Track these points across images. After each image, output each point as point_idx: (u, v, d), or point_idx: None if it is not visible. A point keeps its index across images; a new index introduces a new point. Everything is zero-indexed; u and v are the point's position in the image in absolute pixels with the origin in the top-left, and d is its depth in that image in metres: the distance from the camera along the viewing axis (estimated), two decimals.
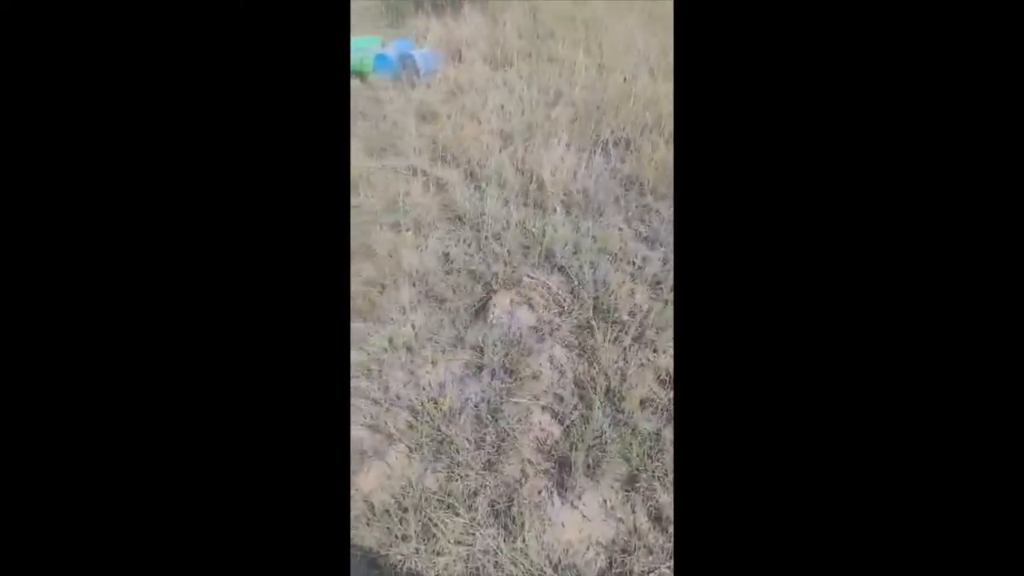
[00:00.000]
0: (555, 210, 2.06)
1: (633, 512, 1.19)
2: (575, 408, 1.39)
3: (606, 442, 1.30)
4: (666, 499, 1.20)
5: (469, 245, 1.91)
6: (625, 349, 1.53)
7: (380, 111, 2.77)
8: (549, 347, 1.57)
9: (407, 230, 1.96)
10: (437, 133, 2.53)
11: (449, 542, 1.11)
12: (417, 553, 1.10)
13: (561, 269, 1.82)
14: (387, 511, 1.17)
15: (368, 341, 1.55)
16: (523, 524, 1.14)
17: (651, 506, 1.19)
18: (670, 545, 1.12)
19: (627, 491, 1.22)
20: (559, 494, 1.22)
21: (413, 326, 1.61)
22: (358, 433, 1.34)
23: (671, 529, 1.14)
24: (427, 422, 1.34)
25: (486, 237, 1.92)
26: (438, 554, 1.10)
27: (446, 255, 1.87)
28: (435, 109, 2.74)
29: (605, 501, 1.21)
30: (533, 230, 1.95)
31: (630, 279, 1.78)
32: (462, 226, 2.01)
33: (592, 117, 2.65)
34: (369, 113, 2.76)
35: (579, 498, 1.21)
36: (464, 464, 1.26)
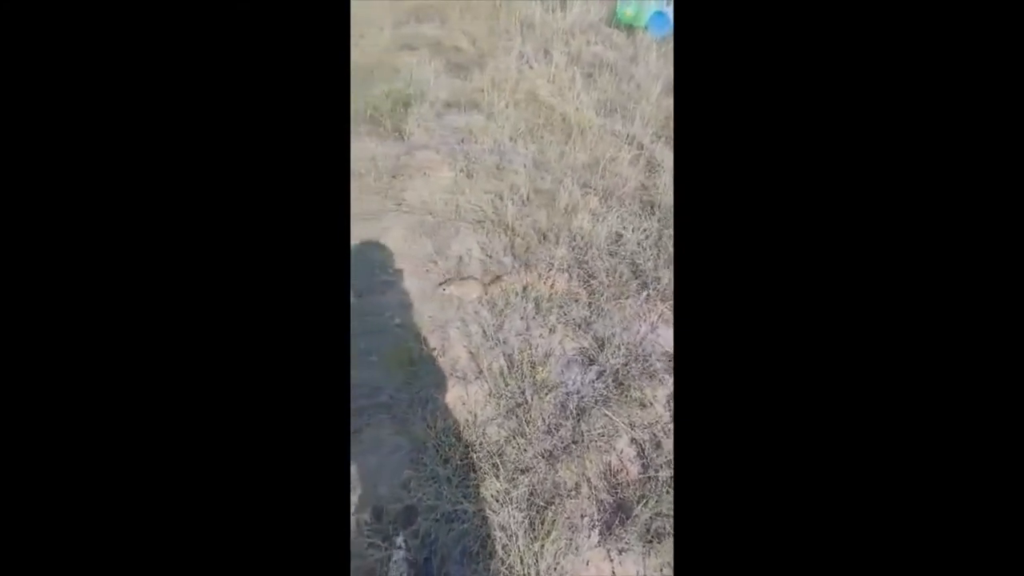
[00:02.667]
0: None
1: None
2: (669, 464, 1.17)
3: None
4: None
5: (647, 236, 1.71)
6: None
7: (630, 70, 2.61)
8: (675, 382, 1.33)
9: (594, 194, 1.86)
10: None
11: (475, 495, 1.10)
12: (450, 482, 1.12)
13: None
14: (443, 431, 1.22)
15: (507, 279, 1.57)
16: (549, 532, 1.04)
17: None
18: None
19: None
20: (601, 533, 1.07)
21: (552, 286, 1.56)
22: (458, 352, 1.40)
23: None
24: (517, 379, 1.31)
25: (669, 236, 1.69)
26: (463, 497, 1.10)
27: (619, 235, 1.71)
28: None
29: None
30: None
31: None
32: (650, 215, 1.80)
33: None
34: (619, 70, 2.63)
35: (619, 553, 1.04)
36: (528, 438, 1.20)
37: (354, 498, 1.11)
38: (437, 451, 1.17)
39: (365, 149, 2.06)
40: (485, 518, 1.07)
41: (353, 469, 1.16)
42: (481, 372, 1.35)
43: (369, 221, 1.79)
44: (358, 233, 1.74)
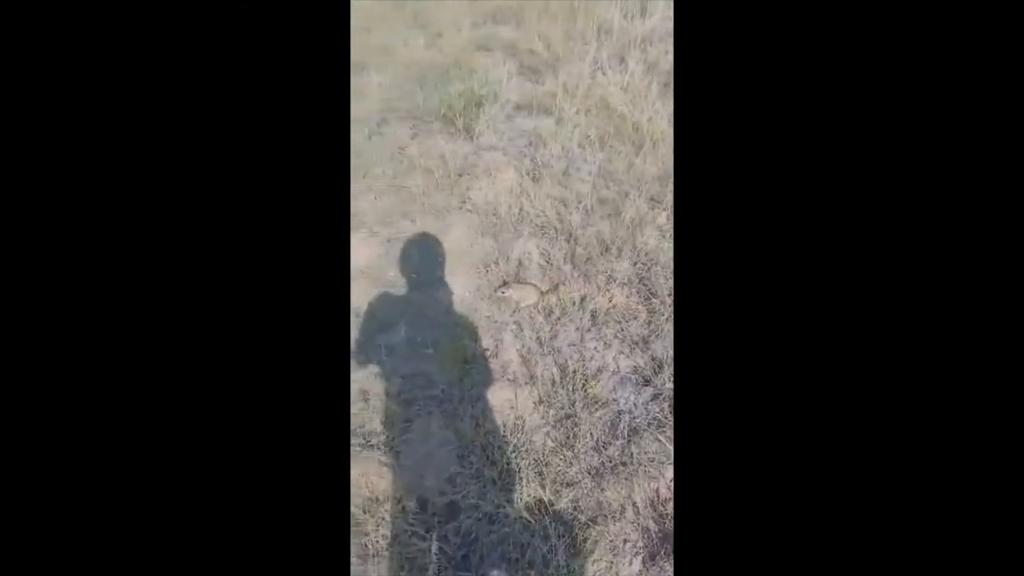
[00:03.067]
0: None
1: None
2: None
3: None
4: None
5: None
6: None
7: None
8: None
9: (663, 210, 1.80)
10: None
11: (517, 499, 1.10)
12: (495, 484, 1.13)
13: None
14: (491, 432, 1.23)
15: (566, 287, 1.55)
16: (591, 553, 1.02)
17: None
18: None
19: None
20: (644, 562, 1.03)
21: (611, 300, 1.53)
22: (510, 356, 1.41)
23: None
24: (567, 391, 1.30)
25: None
26: (506, 500, 1.11)
27: None
28: None
29: None
30: None
31: None
32: None
33: None
34: None
35: None
36: (575, 452, 1.18)
37: (400, 485, 1.14)
38: (484, 451, 1.19)
39: (435, 146, 2.12)
40: (526, 525, 1.07)
41: (401, 456, 1.20)
42: (532, 378, 1.35)
43: (433, 217, 1.84)
44: (422, 227, 1.80)
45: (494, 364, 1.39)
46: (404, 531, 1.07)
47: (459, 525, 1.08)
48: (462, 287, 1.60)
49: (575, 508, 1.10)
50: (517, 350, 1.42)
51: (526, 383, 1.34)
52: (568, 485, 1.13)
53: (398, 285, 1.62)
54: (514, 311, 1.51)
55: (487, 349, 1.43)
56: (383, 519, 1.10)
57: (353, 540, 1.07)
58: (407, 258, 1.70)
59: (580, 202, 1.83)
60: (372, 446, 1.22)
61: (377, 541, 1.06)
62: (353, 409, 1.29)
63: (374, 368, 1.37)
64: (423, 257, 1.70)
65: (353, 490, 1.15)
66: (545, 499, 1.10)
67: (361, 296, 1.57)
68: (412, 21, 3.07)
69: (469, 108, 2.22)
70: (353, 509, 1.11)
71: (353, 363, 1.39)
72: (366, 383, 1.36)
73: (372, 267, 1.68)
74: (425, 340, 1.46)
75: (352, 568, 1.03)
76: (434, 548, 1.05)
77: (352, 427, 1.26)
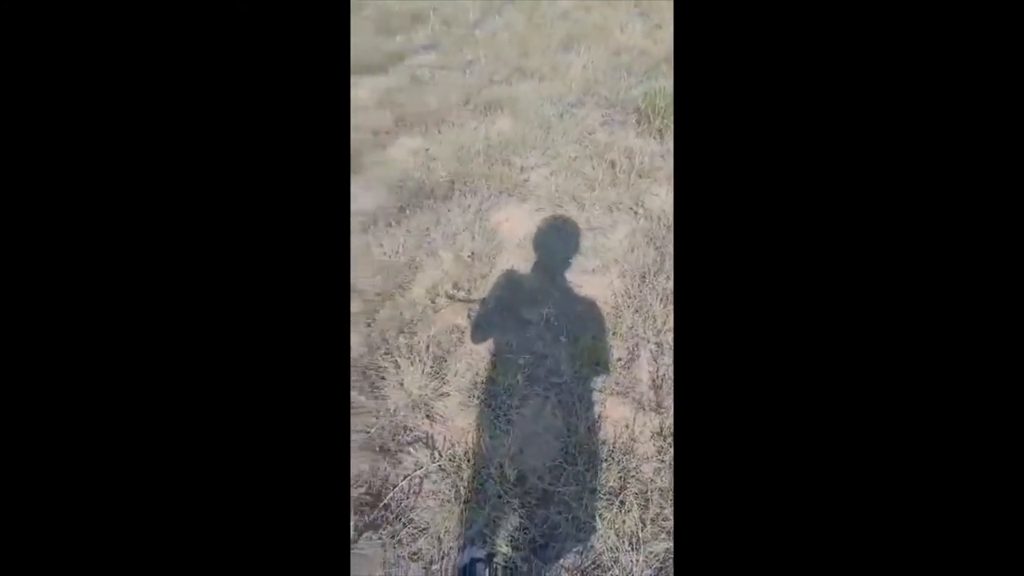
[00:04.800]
0: None
1: None
2: None
3: None
4: None
5: None
6: None
7: None
8: None
9: None
10: None
11: (613, 522, 1.05)
12: (594, 495, 1.11)
13: None
14: (602, 440, 1.19)
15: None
16: None
17: None
18: None
19: None
20: None
21: None
22: (641, 375, 1.34)
23: None
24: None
25: None
26: (601, 517, 1.07)
27: None
28: None
29: None
30: None
31: None
32: None
33: None
34: None
35: None
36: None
37: (506, 452, 1.19)
38: (591, 458, 1.16)
39: (624, 139, 2.06)
40: (613, 550, 1.03)
41: (514, 427, 1.24)
42: (658, 407, 1.27)
43: (602, 210, 1.81)
44: (589, 217, 1.78)
45: (623, 377, 1.34)
46: (498, 495, 1.12)
47: (548, 515, 1.09)
48: (613, 288, 1.55)
49: (667, 558, 1.02)
50: (650, 372, 1.34)
51: (650, 409, 1.27)
52: (669, 533, 1.05)
53: (550, 265, 1.64)
54: (659, 331, 1.42)
55: (620, 359, 1.38)
56: (480, 474, 1.16)
57: (448, 482, 1.15)
58: (566, 242, 1.71)
59: None
60: (488, 405, 1.28)
61: (471, 492, 1.13)
62: (478, 367, 1.37)
63: (508, 336, 1.43)
64: (581, 247, 1.69)
65: (458, 436, 1.24)
66: (641, 536, 1.04)
67: (511, 265, 1.64)
68: (634, 7, 2.98)
69: (669, 109, 2.10)
70: (458, 451, 1.19)
71: (487, 325, 1.47)
72: (495, 347, 1.42)
73: (528, 239, 1.73)
74: (560, 327, 1.46)
75: (444, 505, 1.12)
76: (516, 523, 1.08)
77: (473, 381, 1.34)
